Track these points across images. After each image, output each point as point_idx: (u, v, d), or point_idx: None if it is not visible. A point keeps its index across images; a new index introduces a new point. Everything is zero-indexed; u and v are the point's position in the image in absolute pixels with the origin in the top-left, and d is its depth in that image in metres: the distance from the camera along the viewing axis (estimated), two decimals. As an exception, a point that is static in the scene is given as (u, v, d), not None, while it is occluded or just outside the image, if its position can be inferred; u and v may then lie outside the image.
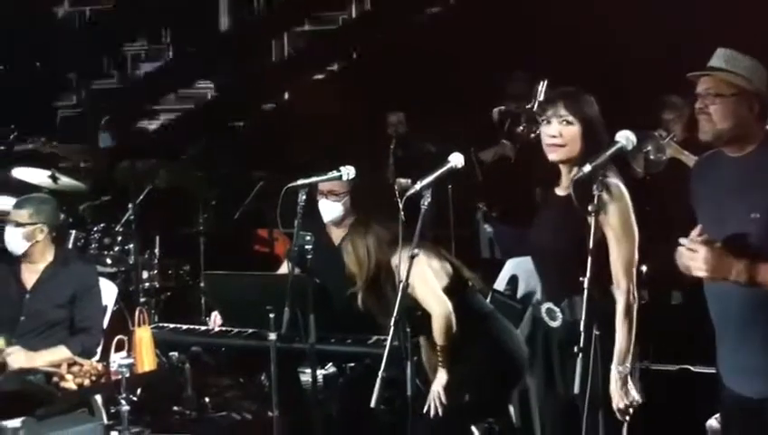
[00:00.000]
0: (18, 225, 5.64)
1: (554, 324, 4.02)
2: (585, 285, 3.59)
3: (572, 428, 3.82)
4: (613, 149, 3.77)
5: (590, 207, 3.66)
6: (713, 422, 4.49)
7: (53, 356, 5.42)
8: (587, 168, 3.67)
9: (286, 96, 10.92)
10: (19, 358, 5.38)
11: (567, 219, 3.88)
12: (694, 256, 3.38)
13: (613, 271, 3.85)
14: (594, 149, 3.81)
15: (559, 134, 3.94)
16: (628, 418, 3.85)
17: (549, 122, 3.96)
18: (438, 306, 4.75)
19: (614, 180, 3.84)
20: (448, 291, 4.83)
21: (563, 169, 4.00)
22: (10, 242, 5.66)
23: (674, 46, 7.64)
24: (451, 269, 4.95)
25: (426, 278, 4.75)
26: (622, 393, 3.82)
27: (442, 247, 5.17)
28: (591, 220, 3.66)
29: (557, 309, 3.99)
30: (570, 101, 3.96)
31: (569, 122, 3.93)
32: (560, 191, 4.04)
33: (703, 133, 3.58)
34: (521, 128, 7.79)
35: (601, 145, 3.83)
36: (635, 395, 3.83)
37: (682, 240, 3.41)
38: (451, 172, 4.28)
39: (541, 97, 7.33)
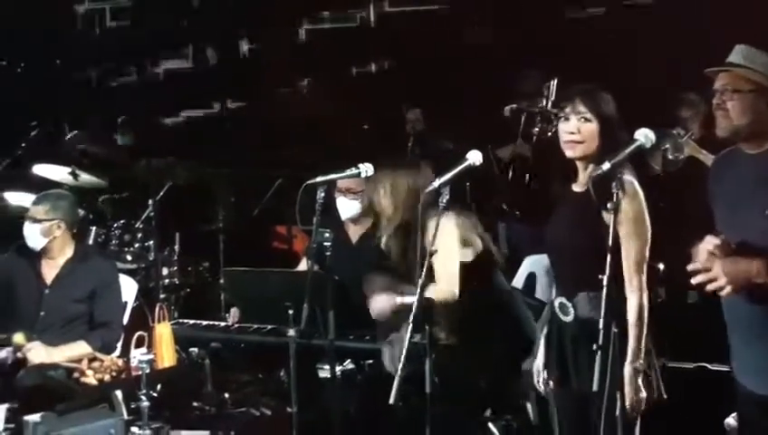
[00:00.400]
0: (35, 221, 5.67)
1: (567, 319, 4.03)
2: (604, 282, 3.59)
3: (589, 423, 3.83)
4: (632, 147, 3.76)
5: (608, 205, 3.67)
6: (731, 420, 4.48)
7: (73, 351, 5.43)
8: (606, 165, 3.67)
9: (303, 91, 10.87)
10: (39, 353, 5.40)
11: (583, 216, 3.89)
12: (712, 276, 3.35)
13: (625, 268, 3.86)
14: (611, 147, 3.81)
15: (577, 131, 3.95)
16: (638, 415, 3.85)
17: (567, 119, 3.97)
18: (447, 285, 4.74)
19: (628, 178, 3.83)
20: (473, 266, 4.83)
21: (580, 165, 4.01)
22: (28, 238, 5.68)
23: (688, 46, 7.61)
24: (481, 246, 4.94)
25: (451, 251, 4.76)
26: (632, 390, 3.82)
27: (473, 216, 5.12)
28: (609, 218, 3.67)
29: (569, 304, 4.00)
30: (587, 97, 3.96)
31: (587, 119, 3.94)
32: (576, 188, 4.04)
33: (720, 129, 3.59)
34: (536, 128, 7.77)
35: (618, 142, 3.83)
36: (644, 393, 3.84)
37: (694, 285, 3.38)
38: (469, 169, 4.29)
39: (552, 96, 7.32)
